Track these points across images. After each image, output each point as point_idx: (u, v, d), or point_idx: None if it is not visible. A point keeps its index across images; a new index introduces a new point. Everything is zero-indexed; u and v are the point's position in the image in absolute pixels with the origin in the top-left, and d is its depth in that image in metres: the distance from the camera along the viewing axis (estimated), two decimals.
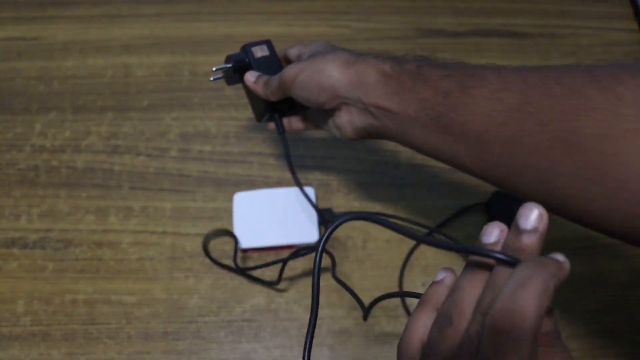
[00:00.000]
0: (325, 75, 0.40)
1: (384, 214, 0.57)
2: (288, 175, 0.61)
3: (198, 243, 0.57)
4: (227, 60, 0.50)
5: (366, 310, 0.39)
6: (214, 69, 0.50)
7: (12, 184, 0.60)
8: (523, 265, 0.22)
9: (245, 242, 0.55)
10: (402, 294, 0.30)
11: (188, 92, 0.66)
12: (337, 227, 0.27)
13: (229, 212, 0.59)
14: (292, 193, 0.58)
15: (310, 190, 0.58)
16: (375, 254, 0.57)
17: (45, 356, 0.52)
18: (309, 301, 0.55)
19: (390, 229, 0.26)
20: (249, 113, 0.65)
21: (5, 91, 0.66)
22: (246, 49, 0.50)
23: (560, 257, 0.22)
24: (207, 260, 0.56)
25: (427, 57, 0.39)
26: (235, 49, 0.68)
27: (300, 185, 0.54)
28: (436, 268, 0.56)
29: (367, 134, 0.41)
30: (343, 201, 0.59)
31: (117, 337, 0.53)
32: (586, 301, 0.55)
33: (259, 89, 0.47)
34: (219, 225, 0.58)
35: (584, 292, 0.56)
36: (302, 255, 0.50)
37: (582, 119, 0.27)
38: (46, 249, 0.57)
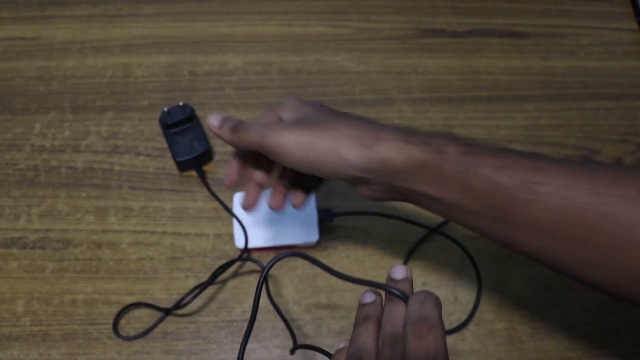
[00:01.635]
0: (338, 158, 0.35)
1: (382, 214, 0.57)
2: None
3: (198, 243, 0.57)
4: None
5: (293, 350, 0.44)
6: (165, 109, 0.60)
7: (12, 184, 0.60)
8: (417, 293, 0.29)
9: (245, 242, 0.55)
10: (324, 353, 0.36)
11: (188, 92, 0.66)
12: (272, 265, 0.32)
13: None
14: None
15: None
16: (375, 254, 0.57)
17: (45, 356, 0.52)
18: (309, 301, 0.55)
19: (320, 267, 0.32)
20: (249, 113, 0.65)
21: (4, 91, 0.66)
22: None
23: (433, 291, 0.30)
24: (207, 260, 0.56)
25: (455, 136, 0.35)
26: (235, 49, 0.69)
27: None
28: (437, 268, 0.56)
29: (394, 199, 0.38)
30: (342, 201, 0.59)
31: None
32: (586, 301, 0.55)
33: (224, 134, 0.40)
34: (219, 225, 0.58)
35: (584, 292, 0.56)
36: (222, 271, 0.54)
37: None
38: (46, 249, 0.57)
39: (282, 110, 0.40)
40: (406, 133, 0.35)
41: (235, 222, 0.56)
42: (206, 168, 0.61)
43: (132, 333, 0.53)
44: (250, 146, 0.38)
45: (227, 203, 0.59)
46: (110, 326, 0.53)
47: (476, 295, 0.55)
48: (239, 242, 0.55)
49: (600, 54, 0.69)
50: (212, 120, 0.41)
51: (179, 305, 0.53)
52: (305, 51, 0.68)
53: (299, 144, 0.36)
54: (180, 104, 0.61)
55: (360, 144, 0.35)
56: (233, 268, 0.56)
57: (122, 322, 0.54)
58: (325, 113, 0.38)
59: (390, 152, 0.34)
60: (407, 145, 0.34)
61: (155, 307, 0.53)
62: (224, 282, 0.56)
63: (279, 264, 0.56)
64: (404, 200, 0.37)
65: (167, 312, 0.53)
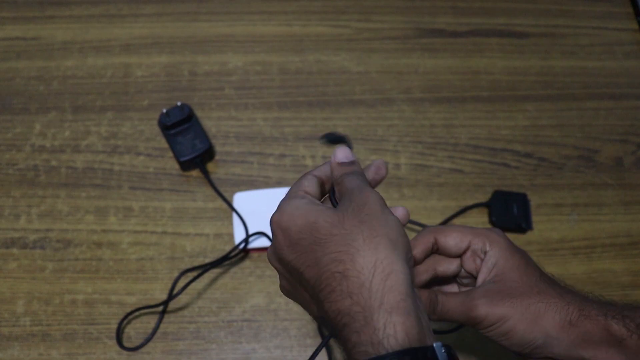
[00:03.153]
0: (539, 331, 0.34)
1: None
2: (288, 175, 0.61)
3: (198, 243, 0.57)
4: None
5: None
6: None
7: (12, 184, 0.60)
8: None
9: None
10: None
11: (188, 92, 0.66)
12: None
13: (229, 212, 0.59)
14: None
15: None
16: None
17: (45, 356, 0.52)
18: None
19: None
20: (248, 113, 0.65)
21: (4, 91, 0.66)
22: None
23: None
24: (207, 260, 0.56)
25: None
26: (235, 49, 0.68)
27: None
28: None
29: None
30: None
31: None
32: None
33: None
34: (219, 225, 0.58)
35: (584, 291, 0.56)
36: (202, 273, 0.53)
37: None
38: (46, 249, 0.57)
39: (489, 244, 0.38)
40: (607, 306, 0.35)
41: (235, 222, 0.56)
42: (208, 167, 0.61)
43: (134, 335, 0.53)
44: (453, 320, 0.37)
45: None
46: (111, 326, 0.53)
47: None
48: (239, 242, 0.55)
49: (600, 54, 0.69)
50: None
51: (171, 297, 0.53)
52: (305, 51, 0.68)
53: (505, 317, 0.35)
54: (178, 104, 0.61)
55: (563, 319, 0.34)
56: (233, 269, 0.56)
57: (125, 327, 0.54)
58: (531, 274, 0.37)
59: (593, 327, 0.34)
60: (607, 320, 0.34)
61: (151, 307, 0.53)
62: (224, 282, 0.56)
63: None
64: None
65: (164, 306, 0.53)
